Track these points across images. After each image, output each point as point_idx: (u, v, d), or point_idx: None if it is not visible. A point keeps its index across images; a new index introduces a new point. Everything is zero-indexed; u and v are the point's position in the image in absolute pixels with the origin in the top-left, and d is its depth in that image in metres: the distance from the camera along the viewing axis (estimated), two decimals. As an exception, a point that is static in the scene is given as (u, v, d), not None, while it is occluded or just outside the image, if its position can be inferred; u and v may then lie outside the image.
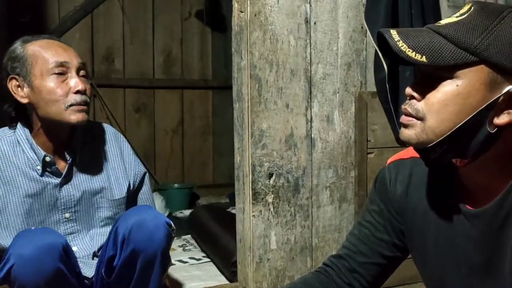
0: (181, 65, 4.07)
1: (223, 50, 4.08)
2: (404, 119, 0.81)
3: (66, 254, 1.23)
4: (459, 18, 0.77)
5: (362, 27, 1.90)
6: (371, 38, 1.84)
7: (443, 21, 0.79)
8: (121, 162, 1.49)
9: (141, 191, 1.54)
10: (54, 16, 3.53)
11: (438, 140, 0.77)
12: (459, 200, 0.85)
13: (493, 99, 0.75)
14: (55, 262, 1.18)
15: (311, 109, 1.84)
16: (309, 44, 1.82)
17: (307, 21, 1.81)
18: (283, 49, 1.78)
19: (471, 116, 0.75)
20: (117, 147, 1.50)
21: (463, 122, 0.75)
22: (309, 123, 1.84)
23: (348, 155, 1.91)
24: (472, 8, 0.77)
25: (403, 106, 0.82)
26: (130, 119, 3.90)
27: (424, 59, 0.75)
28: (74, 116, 1.31)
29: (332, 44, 1.86)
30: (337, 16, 1.86)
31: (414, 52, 0.75)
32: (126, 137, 1.62)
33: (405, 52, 0.76)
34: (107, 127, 1.53)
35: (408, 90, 0.81)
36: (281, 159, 1.80)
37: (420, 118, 0.78)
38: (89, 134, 1.45)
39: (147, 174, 1.57)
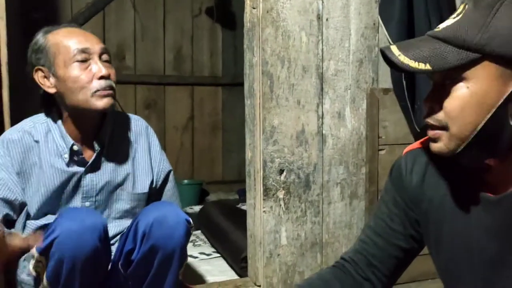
0: (191, 62, 4.09)
1: (233, 47, 4.09)
2: (430, 133, 0.82)
3: (105, 234, 1.26)
4: (455, 19, 0.78)
5: (374, 24, 1.89)
6: (386, 33, 1.82)
7: (441, 25, 0.80)
8: (148, 157, 1.50)
9: (166, 188, 1.54)
10: (67, 13, 3.56)
11: (465, 144, 0.78)
12: (476, 188, 0.85)
13: (509, 92, 0.75)
14: (95, 241, 1.21)
15: (322, 106, 1.84)
16: (321, 41, 1.83)
17: (319, 18, 1.82)
18: (295, 46, 1.79)
19: (491, 113, 0.75)
20: (146, 141, 1.51)
21: (485, 122, 0.76)
22: (320, 119, 1.84)
23: (359, 151, 1.91)
24: (466, 6, 0.78)
25: (425, 119, 0.83)
26: (141, 115, 3.84)
27: (428, 66, 0.76)
28: (100, 102, 1.32)
29: (344, 41, 1.86)
30: (349, 12, 1.86)
31: (417, 62, 0.76)
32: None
33: (408, 64, 0.77)
34: (139, 120, 1.54)
35: (425, 104, 0.82)
36: (292, 155, 1.81)
37: (444, 128, 0.79)
38: (119, 125, 1.47)
39: (172, 171, 1.56)
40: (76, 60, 1.31)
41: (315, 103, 1.83)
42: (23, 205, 1.35)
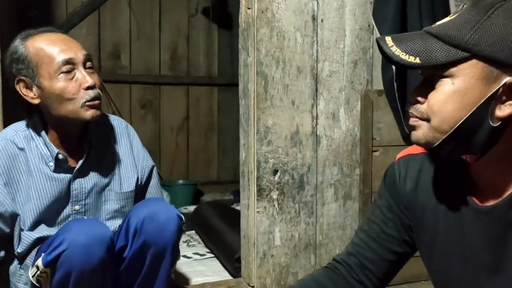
0: (187, 62, 4.08)
1: (229, 47, 4.09)
2: (411, 121, 0.83)
3: (112, 246, 1.26)
4: (452, 17, 0.79)
5: (369, 25, 1.90)
6: (379, 35, 1.83)
7: (438, 22, 0.81)
8: (131, 155, 1.50)
9: (149, 185, 1.54)
10: (62, 12, 3.54)
11: (443, 138, 0.79)
12: (469, 196, 0.86)
13: (491, 93, 0.75)
14: (103, 253, 1.21)
15: (317, 107, 1.84)
16: (315, 42, 1.83)
17: (314, 18, 1.82)
18: (290, 46, 1.79)
19: (471, 112, 0.76)
20: (128, 140, 1.50)
21: (464, 119, 0.77)
22: (314, 120, 1.84)
23: (353, 152, 1.91)
24: (465, 6, 0.79)
25: (409, 111, 0.84)
26: (136, 115, 3.91)
27: (417, 60, 0.77)
28: (89, 113, 1.30)
29: (339, 42, 1.86)
30: (344, 13, 1.86)
31: (407, 55, 0.77)
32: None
33: (398, 56, 0.78)
34: (119, 120, 1.54)
35: (412, 95, 0.83)
36: (286, 156, 1.81)
37: (426, 120, 0.80)
38: (101, 127, 1.45)
39: (155, 167, 1.57)
40: (61, 71, 1.27)
41: (309, 104, 1.83)
42: (14, 216, 1.32)
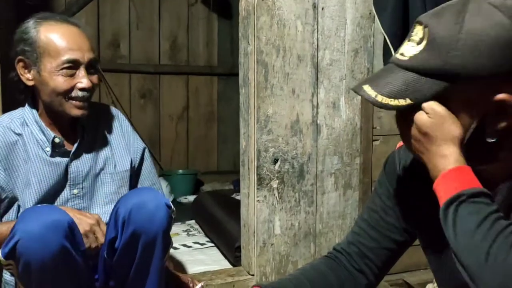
0: (187, 51, 4.07)
1: (229, 36, 4.07)
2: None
3: (71, 232, 1.22)
4: (420, 46, 0.77)
5: (370, 13, 1.88)
6: (379, 25, 1.81)
7: (405, 52, 0.79)
8: (123, 139, 1.51)
9: (143, 167, 1.55)
10: (61, 1, 3.52)
11: None
12: None
13: (484, 111, 0.75)
14: (60, 239, 1.18)
15: (317, 95, 1.84)
16: (316, 30, 1.81)
17: (315, 7, 1.80)
18: (290, 35, 1.77)
19: (467, 132, 0.77)
20: (118, 125, 1.52)
21: (460, 139, 0.77)
22: (315, 109, 1.84)
23: (353, 142, 1.90)
24: (429, 31, 0.76)
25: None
26: (136, 105, 3.91)
27: (408, 101, 0.76)
28: (74, 111, 1.33)
29: (340, 30, 1.85)
30: (345, 1, 1.85)
31: (396, 100, 0.76)
32: (130, 121, 1.63)
33: (388, 103, 0.76)
34: (109, 107, 1.56)
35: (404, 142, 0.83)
36: (286, 145, 1.80)
37: None
38: (93, 114, 1.46)
39: (146, 149, 1.57)
40: (63, 68, 1.30)
41: (310, 92, 1.82)
42: (12, 201, 1.33)
